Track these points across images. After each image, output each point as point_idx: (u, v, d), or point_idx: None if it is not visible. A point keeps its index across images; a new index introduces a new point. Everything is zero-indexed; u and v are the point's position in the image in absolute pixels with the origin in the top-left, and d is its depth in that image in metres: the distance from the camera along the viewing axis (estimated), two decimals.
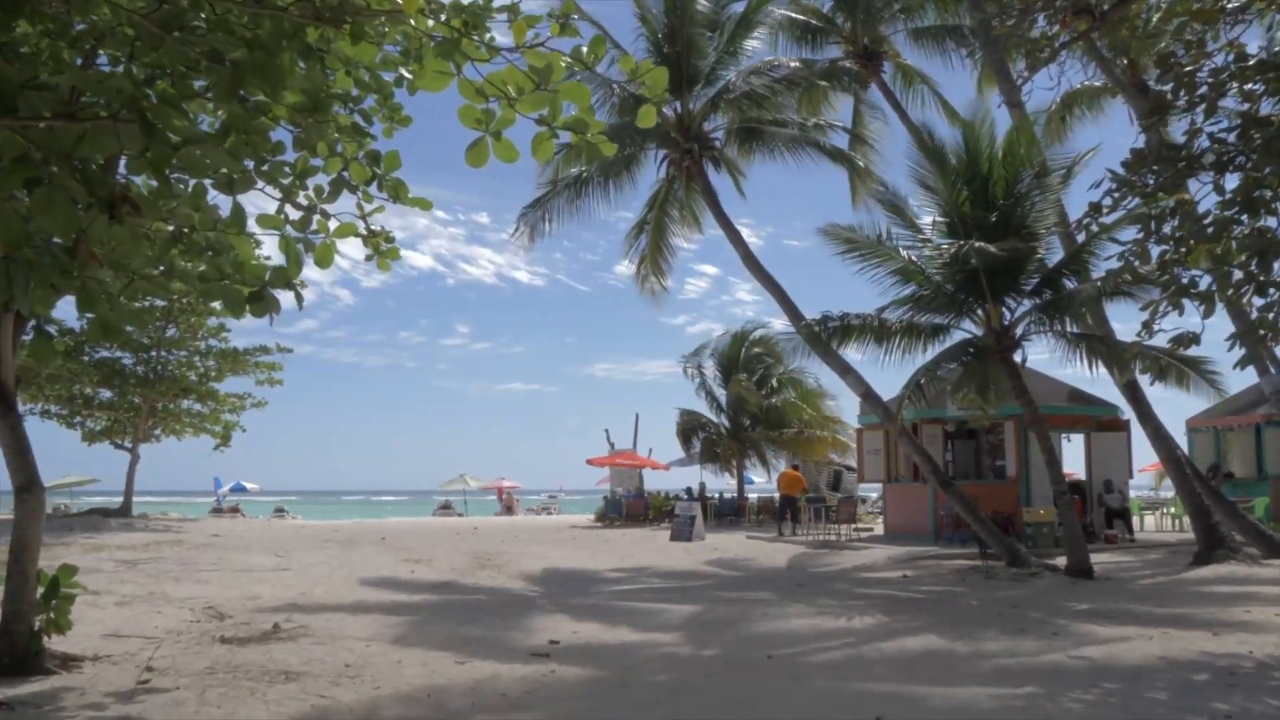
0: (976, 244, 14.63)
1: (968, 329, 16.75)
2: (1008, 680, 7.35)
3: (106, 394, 29.63)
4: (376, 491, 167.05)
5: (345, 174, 6.09)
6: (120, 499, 30.50)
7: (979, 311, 16.25)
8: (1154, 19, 11.40)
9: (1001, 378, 16.06)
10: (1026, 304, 16.13)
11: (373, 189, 6.13)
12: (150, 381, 29.11)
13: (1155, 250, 9.09)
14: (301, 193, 6.03)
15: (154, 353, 29.75)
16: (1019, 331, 16.04)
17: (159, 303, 28.43)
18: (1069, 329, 16.20)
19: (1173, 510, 26.02)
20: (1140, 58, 18.88)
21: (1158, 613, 10.81)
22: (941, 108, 23.60)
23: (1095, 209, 9.13)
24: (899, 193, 17.31)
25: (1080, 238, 12.51)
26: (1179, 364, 15.19)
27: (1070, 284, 15.96)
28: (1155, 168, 8.89)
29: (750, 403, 31.88)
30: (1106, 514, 20.92)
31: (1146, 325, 9.64)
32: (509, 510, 47.50)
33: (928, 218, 16.59)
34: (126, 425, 30.38)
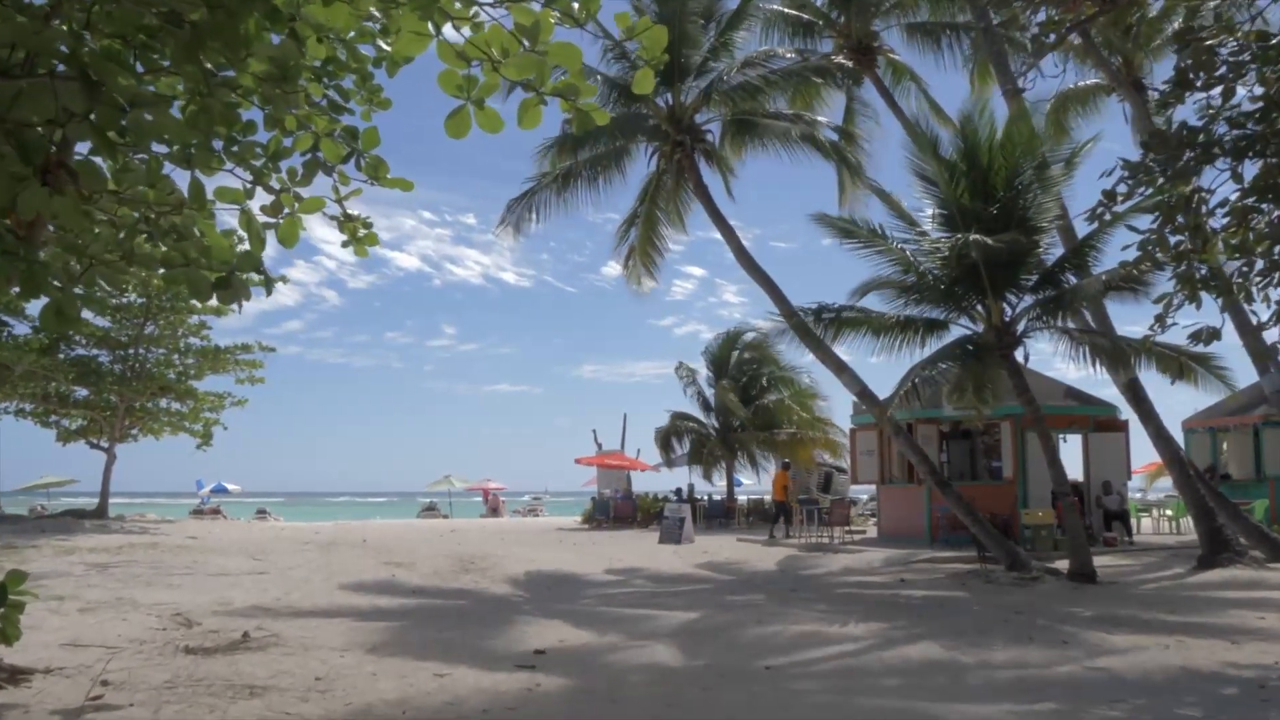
0: (975, 237, 14.17)
1: (965, 325, 16.31)
2: (1023, 695, 6.89)
3: (82, 392, 28.95)
4: (363, 493, 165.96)
5: (319, 154, 5.63)
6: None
7: (979, 308, 15.79)
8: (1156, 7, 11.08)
9: (1000, 376, 15.61)
10: (1028, 299, 15.64)
11: (350, 169, 5.67)
12: (127, 379, 28.46)
13: (1171, 240, 8.69)
14: (274, 175, 5.57)
15: (132, 350, 29.10)
16: (1020, 328, 15.58)
17: (139, 300, 27.88)
18: (1070, 325, 15.78)
19: (1170, 512, 25.67)
20: (1136, 56, 18.62)
21: (1169, 620, 10.39)
22: (930, 106, 23.21)
23: (1110, 197, 8.73)
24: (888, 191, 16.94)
25: (1092, 227, 12.04)
26: (1186, 359, 14.77)
27: (1073, 279, 15.51)
28: (1172, 152, 8.49)
29: (736, 413, 31.38)
30: (1105, 516, 20.54)
31: (1160, 319, 9.24)
32: (494, 512, 46.90)
33: (926, 210, 16.14)
34: (103, 424, 29.70)
